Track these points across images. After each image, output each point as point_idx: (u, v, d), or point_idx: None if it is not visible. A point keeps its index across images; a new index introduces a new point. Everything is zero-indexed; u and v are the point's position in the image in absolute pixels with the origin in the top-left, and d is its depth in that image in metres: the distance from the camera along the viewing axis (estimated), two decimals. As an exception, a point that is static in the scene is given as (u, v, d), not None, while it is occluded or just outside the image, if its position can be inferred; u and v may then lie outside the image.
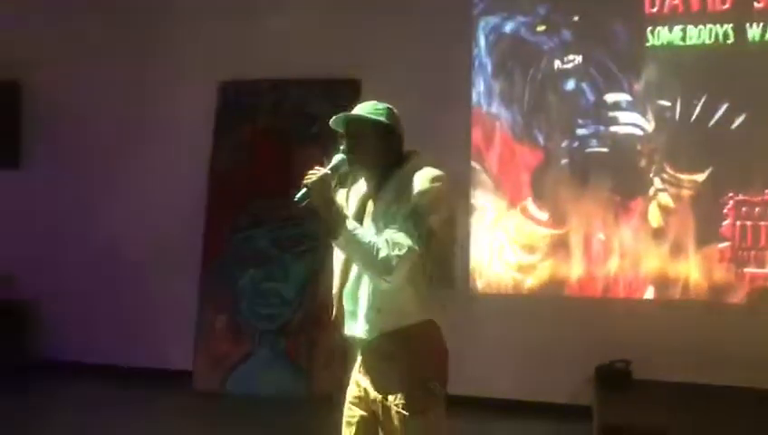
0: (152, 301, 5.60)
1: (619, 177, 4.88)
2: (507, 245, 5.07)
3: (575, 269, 4.95)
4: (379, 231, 2.17)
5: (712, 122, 4.72)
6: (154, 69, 5.73)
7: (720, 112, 4.71)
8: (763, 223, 4.66)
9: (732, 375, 4.51)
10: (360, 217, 2.28)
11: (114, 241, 5.69)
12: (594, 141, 4.94)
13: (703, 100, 4.73)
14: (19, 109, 5.55)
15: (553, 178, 5.00)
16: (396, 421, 2.16)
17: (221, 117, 5.65)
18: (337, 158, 2.28)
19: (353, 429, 2.29)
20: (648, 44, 4.85)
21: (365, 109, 2.30)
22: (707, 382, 4.53)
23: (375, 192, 2.27)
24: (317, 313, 5.27)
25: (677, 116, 4.79)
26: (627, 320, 4.82)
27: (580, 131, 4.95)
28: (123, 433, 4.49)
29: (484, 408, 4.69)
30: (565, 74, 4.98)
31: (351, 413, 2.31)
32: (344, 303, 2.30)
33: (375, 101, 2.35)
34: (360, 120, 2.27)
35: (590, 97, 4.95)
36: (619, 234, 4.88)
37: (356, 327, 2.25)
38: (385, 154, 2.27)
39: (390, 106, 2.36)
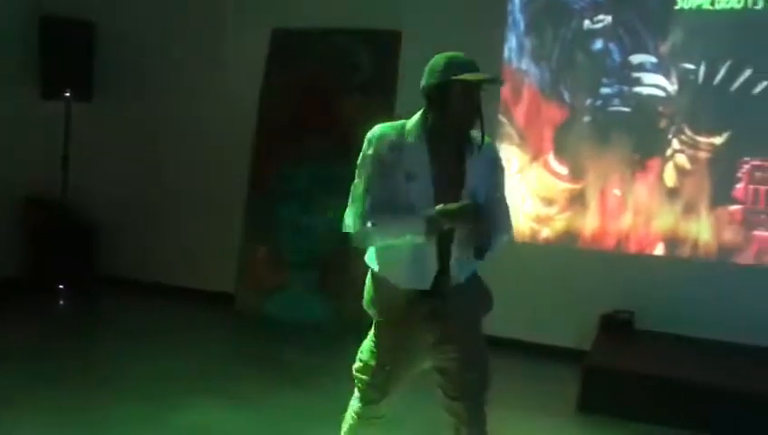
0: (202, 229, 6.16)
1: (639, 136, 5.04)
2: (528, 196, 5.34)
3: (590, 223, 5.19)
4: (481, 193, 2.34)
5: (734, 87, 4.82)
6: (215, 15, 6.17)
7: (743, 78, 4.79)
8: (775, 188, 4.77)
9: (731, 332, 4.72)
10: (457, 178, 2.33)
11: (171, 172, 6.26)
12: (617, 101, 5.10)
13: (727, 64, 4.82)
14: (93, 47, 6.10)
15: (576, 134, 5.20)
16: None
17: (272, 62, 6.05)
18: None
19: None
20: (676, 7, 4.94)
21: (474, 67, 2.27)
22: (706, 337, 4.75)
23: (463, 154, 2.33)
24: (348, 249, 5.71)
25: (701, 79, 4.90)
26: (635, 274, 5.05)
27: (605, 90, 5.12)
28: (173, 345, 5.01)
29: (493, 346, 5.04)
30: (594, 34, 5.14)
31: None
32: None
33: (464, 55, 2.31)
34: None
35: (617, 57, 5.10)
36: (634, 191, 5.07)
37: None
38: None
39: None
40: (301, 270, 5.84)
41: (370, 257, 2.47)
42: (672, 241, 5.01)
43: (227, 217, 6.08)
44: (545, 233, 5.30)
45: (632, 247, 5.11)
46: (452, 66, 2.25)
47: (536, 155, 5.31)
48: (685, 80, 4.94)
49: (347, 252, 5.68)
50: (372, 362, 2.48)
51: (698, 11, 4.89)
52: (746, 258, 4.85)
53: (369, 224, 2.29)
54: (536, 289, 5.18)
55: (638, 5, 5.04)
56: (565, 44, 5.22)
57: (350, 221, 2.40)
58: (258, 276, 5.93)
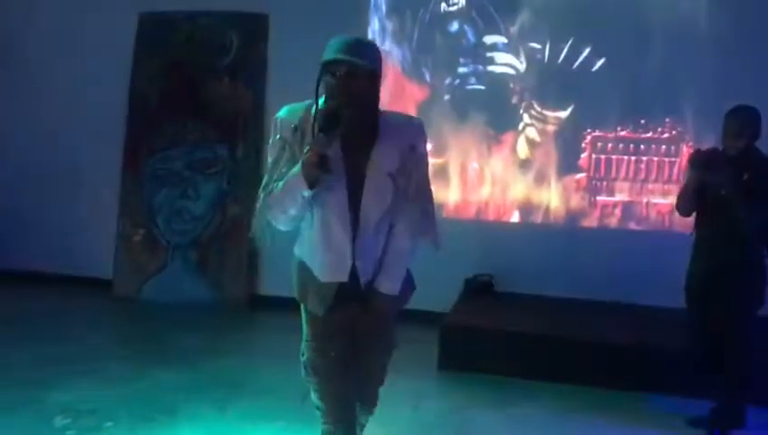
0: (77, 215, 6.12)
1: (493, 112, 5.41)
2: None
3: (452, 195, 5.53)
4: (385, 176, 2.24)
5: (576, 65, 5.24)
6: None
7: (583, 56, 5.22)
8: (614, 156, 5.24)
9: (582, 289, 5.17)
10: (361, 165, 2.22)
11: (42, 157, 6.17)
12: (473, 79, 5.44)
13: (569, 44, 5.24)
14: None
15: (437, 112, 5.51)
16: None
17: (140, 45, 6.05)
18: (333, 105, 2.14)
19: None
20: (524, -10, 5.33)
21: (353, 51, 2.14)
22: (560, 295, 5.19)
23: (370, 139, 2.22)
24: (225, 229, 5.85)
25: (546, 58, 5.30)
26: (495, 240, 5.44)
27: (462, 70, 5.45)
28: (50, 331, 5.02)
29: None
30: (450, 16, 5.45)
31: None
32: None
33: (351, 38, 2.21)
34: (366, 68, 2.15)
35: (472, 38, 5.43)
36: (491, 164, 5.45)
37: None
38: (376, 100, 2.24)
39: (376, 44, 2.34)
40: (179, 252, 5.92)
41: (298, 243, 2.40)
42: (526, 209, 5.43)
43: (103, 202, 6.07)
44: (412, 206, 5.60)
45: (491, 216, 5.49)
46: (329, 47, 2.17)
47: (401, 132, 5.57)
48: (532, 59, 5.32)
49: (225, 233, 5.84)
50: (314, 354, 2.40)
51: (544, -6, 5.29)
52: (591, 222, 5.32)
53: (261, 196, 2.24)
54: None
55: (489, -12, 5.38)
56: (424, 26, 5.51)
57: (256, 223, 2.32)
58: (136, 260, 5.97)
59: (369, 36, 5.61)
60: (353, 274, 2.30)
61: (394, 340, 2.52)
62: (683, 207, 3.56)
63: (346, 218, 2.23)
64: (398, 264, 2.34)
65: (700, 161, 3.37)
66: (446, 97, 5.50)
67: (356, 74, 2.14)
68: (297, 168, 2.12)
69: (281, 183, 2.18)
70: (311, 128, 2.16)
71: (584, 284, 5.17)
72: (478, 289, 5.31)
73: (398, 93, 5.60)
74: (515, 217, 5.46)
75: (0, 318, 5.24)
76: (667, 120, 5.14)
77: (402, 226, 2.31)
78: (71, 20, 6.12)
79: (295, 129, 2.22)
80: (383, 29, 5.61)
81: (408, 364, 4.48)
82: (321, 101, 2.17)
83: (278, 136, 2.25)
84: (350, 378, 2.43)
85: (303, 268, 2.37)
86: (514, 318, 4.73)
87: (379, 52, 2.23)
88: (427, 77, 5.54)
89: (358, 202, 2.22)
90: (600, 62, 5.20)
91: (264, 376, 4.27)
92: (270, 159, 2.28)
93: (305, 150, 2.13)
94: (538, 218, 5.41)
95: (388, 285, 2.34)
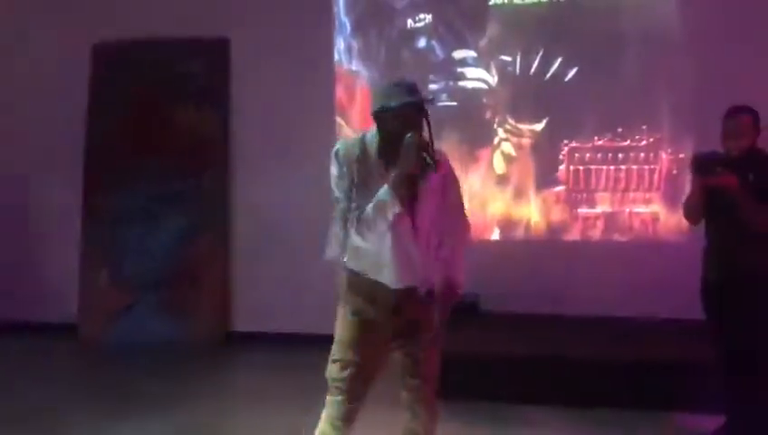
0: (37, 258, 5.81)
1: (467, 128, 5.27)
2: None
3: (430, 214, 5.35)
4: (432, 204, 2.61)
5: (548, 76, 5.14)
6: (30, 27, 5.82)
7: (555, 66, 5.12)
8: (593, 167, 5.13)
9: (569, 305, 5.03)
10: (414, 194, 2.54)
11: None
12: (444, 96, 5.30)
13: (540, 54, 5.13)
14: None
15: (409, 130, 5.34)
16: None
17: (96, 77, 5.79)
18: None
19: None
20: (491, 3, 5.21)
21: (414, 92, 2.56)
22: (546, 312, 5.03)
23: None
24: (195, 264, 5.59)
25: (518, 70, 5.19)
26: (476, 259, 5.21)
27: (432, 87, 5.30)
28: (12, 383, 4.70)
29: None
30: (417, 32, 5.32)
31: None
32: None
33: (403, 81, 2.61)
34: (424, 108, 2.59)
35: (440, 54, 5.30)
36: (468, 181, 5.27)
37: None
38: None
39: None
40: (145, 291, 5.63)
41: (353, 258, 2.62)
42: (506, 225, 5.28)
43: (63, 243, 5.77)
44: (389, 229, 5.42)
45: (471, 234, 5.31)
46: (388, 95, 2.54)
47: (374, 153, 5.41)
48: (504, 72, 5.21)
49: (194, 268, 5.57)
50: (352, 357, 2.62)
51: (510, 5, 5.18)
52: (573, 235, 5.19)
53: (353, 229, 2.52)
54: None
55: (454, 3, 5.26)
56: (390, 44, 5.37)
57: (332, 246, 2.64)
58: (101, 302, 5.66)
59: (336, 56, 5.46)
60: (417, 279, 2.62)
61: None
62: (691, 215, 3.42)
63: (410, 231, 2.54)
64: (453, 265, 2.72)
65: (702, 165, 3.23)
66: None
67: (421, 113, 2.55)
68: (384, 191, 2.45)
69: (370, 206, 2.47)
70: (373, 159, 2.54)
71: (571, 299, 5.02)
72: (464, 310, 5.10)
73: (369, 113, 5.41)
74: (496, 235, 5.31)
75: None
76: (644, 127, 5.04)
77: (449, 238, 2.70)
78: (19, 53, 5.83)
79: (358, 161, 2.53)
80: (349, 48, 5.45)
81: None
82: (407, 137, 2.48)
83: (344, 169, 2.54)
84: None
85: (359, 278, 2.61)
86: (508, 341, 4.56)
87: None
88: (415, 87, 5.36)
89: (414, 219, 2.56)
90: (572, 72, 5.10)
91: (241, 422, 4.02)
92: (339, 189, 2.55)
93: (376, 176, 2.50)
94: (519, 234, 5.27)
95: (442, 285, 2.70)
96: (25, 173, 5.81)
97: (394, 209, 2.45)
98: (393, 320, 2.62)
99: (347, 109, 5.47)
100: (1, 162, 5.86)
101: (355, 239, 2.54)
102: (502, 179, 5.26)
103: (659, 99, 5.02)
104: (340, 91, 5.47)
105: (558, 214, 5.19)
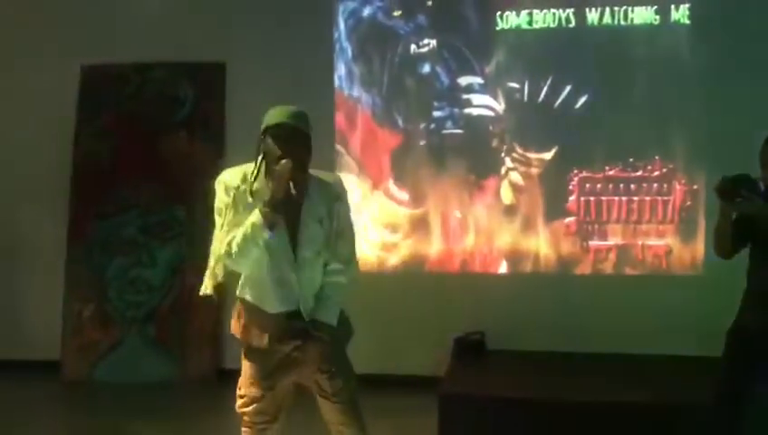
0: (16, 291, 5.50)
1: (473, 157, 5.08)
2: (371, 225, 5.21)
3: (435, 246, 5.14)
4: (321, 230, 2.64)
5: (557, 103, 4.96)
6: (16, 48, 5.56)
7: (564, 93, 4.95)
8: (604, 198, 4.95)
9: (581, 342, 4.80)
10: (295, 221, 2.59)
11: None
12: (449, 123, 5.11)
13: (549, 81, 4.97)
14: None
15: (412, 159, 5.15)
16: None
17: (84, 101, 5.55)
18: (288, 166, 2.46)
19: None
20: (497, 28, 5.04)
21: (295, 117, 2.54)
22: (557, 350, 4.80)
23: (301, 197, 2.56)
24: (186, 298, 5.32)
25: (526, 97, 5.01)
26: (483, 293, 5.05)
27: (437, 114, 5.12)
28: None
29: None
30: (421, 58, 5.13)
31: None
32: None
33: (291, 106, 2.58)
34: (305, 133, 2.55)
35: (445, 80, 5.11)
36: (474, 211, 5.09)
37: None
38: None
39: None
40: (135, 326, 5.34)
41: (241, 287, 2.66)
42: (514, 257, 5.06)
43: (47, 273, 5.47)
44: (392, 260, 5.20)
45: (477, 267, 5.11)
46: (268, 115, 2.55)
47: (376, 183, 5.21)
48: (511, 98, 5.03)
49: (186, 303, 5.30)
50: (255, 392, 2.67)
51: (518, 30, 5.01)
52: (584, 268, 4.99)
53: (226, 250, 2.52)
54: (386, 318, 5.03)
55: (460, 28, 5.08)
56: (393, 70, 5.17)
57: (208, 280, 2.65)
58: (87, 338, 5.36)
59: (336, 83, 5.26)
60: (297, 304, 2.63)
61: (349, 368, 2.77)
62: (719, 246, 3.04)
63: (290, 257, 2.58)
64: (332, 296, 2.66)
65: (726, 188, 2.90)
66: (422, 143, 5.14)
67: (299, 138, 2.52)
68: (255, 216, 2.46)
69: (240, 231, 2.48)
70: (253, 190, 2.54)
71: (582, 335, 4.81)
72: (470, 349, 4.88)
73: (370, 141, 5.23)
74: (503, 268, 5.09)
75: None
76: (657, 157, 4.88)
77: (334, 265, 2.66)
78: (3, 77, 5.58)
79: (236, 187, 2.57)
80: (350, 74, 5.25)
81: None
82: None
83: (221, 198, 2.60)
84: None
85: (249, 306, 2.65)
86: (519, 382, 4.31)
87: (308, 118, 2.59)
88: (400, 122, 5.18)
89: (296, 243, 2.59)
90: (582, 99, 4.93)
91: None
92: (221, 217, 2.59)
93: (252, 202, 2.52)
94: (527, 267, 5.05)
95: (327, 314, 2.64)
96: (10, 201, 5.52)
97: (264, 235, 2.46)
98: (281, 348, 2.62)
99: (347, 136, 5.26)
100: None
101: (230, 265, 2.56)
102: (509, 210, 5.05)
103: (672, 128, 4.86)
104: (340, 118, 5.26)
105: (568, 246, 4.99)
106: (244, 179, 2.57)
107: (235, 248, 2.50)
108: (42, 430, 4.39)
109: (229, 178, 2.60)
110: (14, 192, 5.52)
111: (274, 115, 2.52)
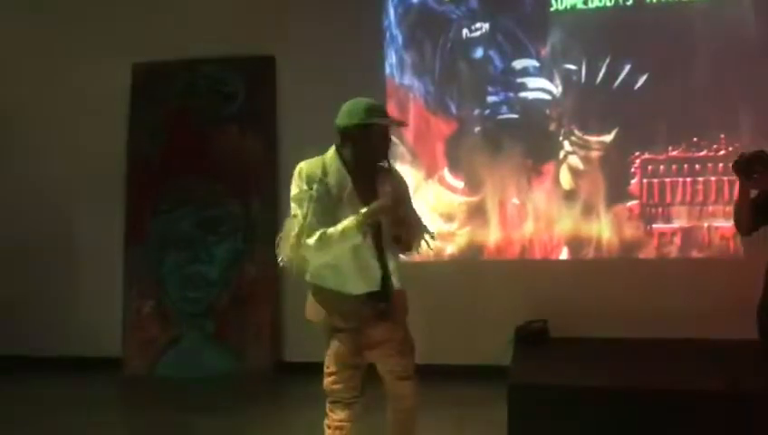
0: (77, 289, 5.57)
1: (530, 142, 4.97)
2: (427, 214, 5.12)
3: (492, 234, 5.05)
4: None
5: (616, 84, 4.83)
6: (69, 50, 5.60)
7: (624, 74, 4.81)
8: (667, 180, 4.80)
9: (645, 328, 4.67)
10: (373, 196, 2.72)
11: (36, 227, 5.62)
12: (505, 108, 5.01)
13: (607, 62, 4.83)
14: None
15: (467, 146, 5.06)
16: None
17: (136, 98, 5.57)
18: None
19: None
20: (552, 9, 4.92)
21: (381, 113, 2.77)
22: (622, 336, 4.68)
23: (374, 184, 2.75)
24: (244, 292, 5.32)
25: (583, 79, 4.88)
26: (544, 281, 4.95)
27: (491, 99, 5.02)
28: (57, 421, 4.44)
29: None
30: (474, 43, 5.03)
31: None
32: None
33: (370, 100, 2.77)
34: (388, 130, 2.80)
35: (499, 64, 5.01)
36: (532, 198, 4.98)
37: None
38: None
39: None
40: (194, 322, 5.36)
41: (318, 277, 2.78)
42: (575, 243, 4.95)
43: (106, 271, 5.52)
44: (449, 250, 5.12)
45: (537, 254, 5.02)
46: (372, 110, 2.70)
47: (430, 171, 5.13)
48: (568, 81, 4.90)
49: (244, 297, 5.30)
50: (345, 368, 2.78)
51: (573, 11, 4.89)
52: (648, 253, 4.86)
53: (310, 241, 2.62)
54: (445, 308, 4.98)
55: (513, 10, 4.97)
56: (445, 56, 5.08)
57: (285, 251, 2.70)
58: (146, 334, 5.40)
59: (387, 70, 5.19)
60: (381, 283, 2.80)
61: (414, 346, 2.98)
62: (739, 221, 3.15)
63: (372, 246, 2.74)
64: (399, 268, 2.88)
65: (743, 165, 2.96)
66: (477, 129, 5.05)
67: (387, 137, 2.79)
68: (351, 221, 2.62)
69: (334, 230, 2.62)
70: (332, 179, 2.70)
71: (646, 321, 4.67)
72: (532, 337, 4.79)
73: (424, 129, 5.15)
74: (564, 254, 4.98)
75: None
76: (722, 136, 4.71)
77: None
78: (54, 77, 5.62)
79: (320, 181, 2.69)
80: (401, 62, 5.18)
81: (476, 428, 4.02)
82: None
83: (302, 187, 2.69)
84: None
85: (328, 290, 2.77)
86: (587, 370, 4.20)
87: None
88: (454, 109, 5.09)
89: (379, 235, 2.75)
90: (642, 79, 4.79)
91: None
92: (299, 209, 2.67)
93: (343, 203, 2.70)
94: (589, 253, 4.94)
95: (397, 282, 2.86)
96: (67, 201, 5.58)
97: (356, 239, 2.62)
98: (365, 326, 2.77)
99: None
100: (38, 190, 5.64)
101: (315, 255, 2.67)
102: (569, 195, 4.94)
103: (737, 105, 4.69)
104: (392, 107, 5.18)
105: (631, 230, 4.86)
106: (325, 172, 2.69)
107: (321, 244, 2.62)
108: (105, 427, 4.41)
109: (308, 170, 2.71)
110: (72, 192, 5.58)
111: (370, 112, 2.68)
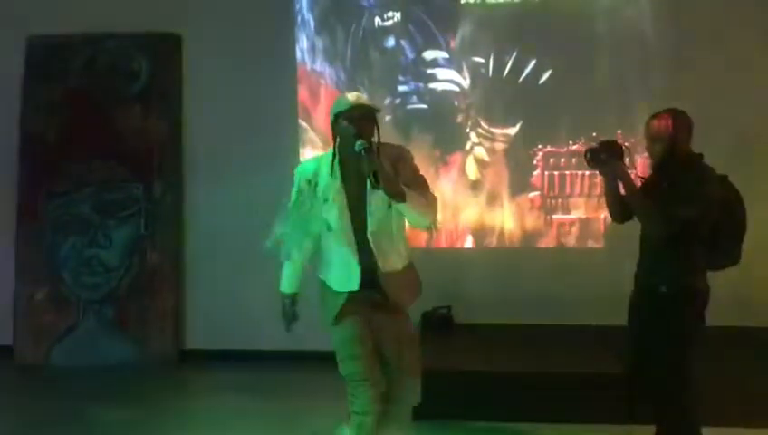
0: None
1: (439, 132, 5.06)
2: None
3: (400, 222, 5.10)
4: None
5: (522, 78, 4.97)
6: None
7: (528, 69, 4.96)
8: (568, 172, 5.00)
9: (544, 314, 4.87)
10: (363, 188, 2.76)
11: None
12: (415, 98, 5.07)
13: (513, 56, 4.97)
14: None
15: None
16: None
17: (30, 74, 5.28)
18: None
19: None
20: (462, 2, 5.00)
21: (363, 99, 2.88)
22: (522, 322, 4.87)
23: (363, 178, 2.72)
24: (146, 278, 5.16)
25: (491, 72, 5.00)
26: (449, 268, 5.06)
27: (402, 88, 5.07)
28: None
29: (306, 360, 4.69)
30: (385, 31, 5.06)
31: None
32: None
33: (357, 93, 2.95)
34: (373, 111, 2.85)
35: (410, 54, 5.06)
36: (439, 187, 5.06)
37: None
38: None
39: None
40: (91, 308, 5.17)
41: (318, 270, 2.96)
42: (480, 232, 5.09)
43: (-5, 256, 5.23)
44: (357, 237, 5.14)
45: (443, 242, 5.12)
46: (350, 100, 2.81)
47: (340, 158, 5.12)
48: (476, 73, 5.01)
49: (145, 283, 5.15)
50: (353, 358, 2.83)
51: (483, 5, 4.99)
52: (548, 242, 5.05)
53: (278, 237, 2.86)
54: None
55: (425, 1, 5.03)
56: (357, 43, 5.09)
57: (276, 230, 2.89)
58: (40, 321, 5.16)
59: (298, 55, 5.14)
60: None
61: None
62: (609, 210, 3.28)
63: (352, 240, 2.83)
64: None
65: (593, 154, 3.12)
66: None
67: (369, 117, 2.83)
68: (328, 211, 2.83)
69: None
70: (322, 178, 2.82)
71: (545, 308, 4.88)
72: (437, 323, 4.91)
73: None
74: (469, 242, 5.11)
75: None
76: (619, 132, 4.93)
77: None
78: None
79: (308, 180, 2.84)
80: (312, 47, 5.14)
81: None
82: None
83: (295, 184, 2.87)
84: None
85: (324, 285, 2.94)
86: (489, 355, 4.36)
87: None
88: (365, 97, 5.09)
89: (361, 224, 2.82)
90: (546, 75, 4.95)
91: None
92: (289, 203, 2.88)
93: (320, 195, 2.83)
94: (493, 242, 5.09)
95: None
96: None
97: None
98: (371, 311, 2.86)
99: (311, 111, 5.16)
100: None
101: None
102: (475, 185, 5.07)
103: (634, 103, 4.90)
104: (303, 93, 5.15)
105: (532, 220, 5.04)
106: (318, 168, 2.82)
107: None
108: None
109: (301, 168, 2.89)
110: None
111: (343, 102, 2.79)
